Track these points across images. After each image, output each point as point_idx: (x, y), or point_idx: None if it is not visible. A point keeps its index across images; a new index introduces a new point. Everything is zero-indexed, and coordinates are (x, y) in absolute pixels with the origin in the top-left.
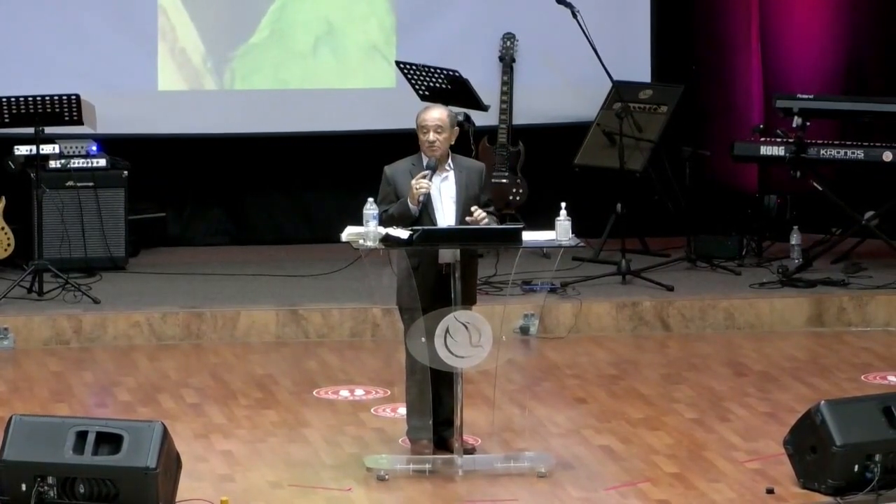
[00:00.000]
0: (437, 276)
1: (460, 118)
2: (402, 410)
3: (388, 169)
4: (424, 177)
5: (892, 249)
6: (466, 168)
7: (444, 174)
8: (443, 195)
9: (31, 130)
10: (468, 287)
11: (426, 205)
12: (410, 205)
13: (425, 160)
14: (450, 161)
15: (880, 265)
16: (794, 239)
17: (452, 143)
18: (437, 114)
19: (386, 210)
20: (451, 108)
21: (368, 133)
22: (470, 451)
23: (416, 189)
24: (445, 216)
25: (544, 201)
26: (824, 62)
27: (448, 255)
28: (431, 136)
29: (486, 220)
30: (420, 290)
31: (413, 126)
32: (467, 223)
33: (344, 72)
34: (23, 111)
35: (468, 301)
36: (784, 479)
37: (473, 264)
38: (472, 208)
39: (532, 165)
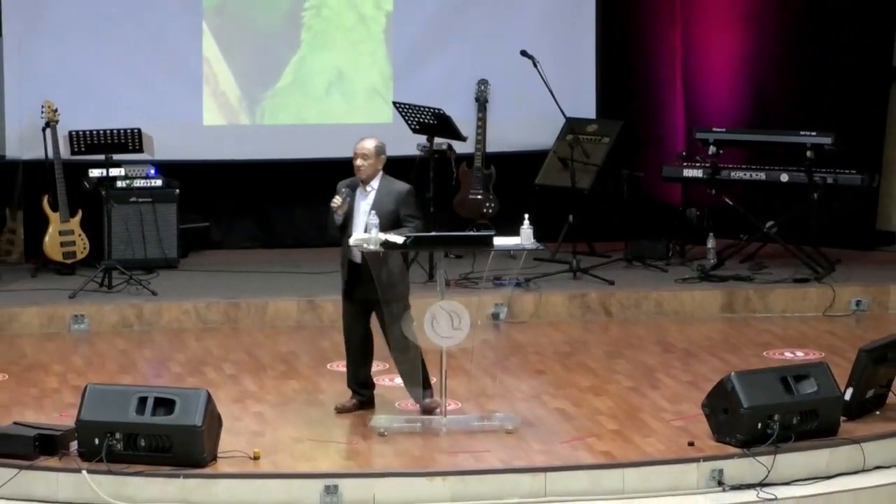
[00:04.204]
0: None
1: (444, 147)
2: (398, 380)
3: (340, 183)
4: (341, 195)
5: (788, 252)
6: (389, 189)
7: (367, 192)
8: (360, 209)
9: (102, 157)
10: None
11: (350, 216)
12: (334, 215)
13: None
14: (374, 182)
15: (779, 264)
16: (710, 243)
17: (380, 168)
18: (366, 144)
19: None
20: (437, 138)
21: None
22: (452, 412)
23: (332, 204)
24: (357, 227)
25: (512, 213)
26: (735, 102)
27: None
28: (357, 161)
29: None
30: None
31: (401, 155)
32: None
33: (351, 110)
34: (95, 142)
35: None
36: (702, 434)
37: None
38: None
39: (502, 184)
